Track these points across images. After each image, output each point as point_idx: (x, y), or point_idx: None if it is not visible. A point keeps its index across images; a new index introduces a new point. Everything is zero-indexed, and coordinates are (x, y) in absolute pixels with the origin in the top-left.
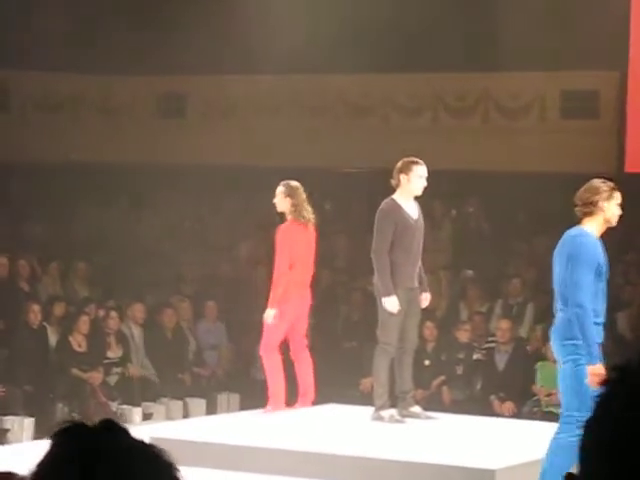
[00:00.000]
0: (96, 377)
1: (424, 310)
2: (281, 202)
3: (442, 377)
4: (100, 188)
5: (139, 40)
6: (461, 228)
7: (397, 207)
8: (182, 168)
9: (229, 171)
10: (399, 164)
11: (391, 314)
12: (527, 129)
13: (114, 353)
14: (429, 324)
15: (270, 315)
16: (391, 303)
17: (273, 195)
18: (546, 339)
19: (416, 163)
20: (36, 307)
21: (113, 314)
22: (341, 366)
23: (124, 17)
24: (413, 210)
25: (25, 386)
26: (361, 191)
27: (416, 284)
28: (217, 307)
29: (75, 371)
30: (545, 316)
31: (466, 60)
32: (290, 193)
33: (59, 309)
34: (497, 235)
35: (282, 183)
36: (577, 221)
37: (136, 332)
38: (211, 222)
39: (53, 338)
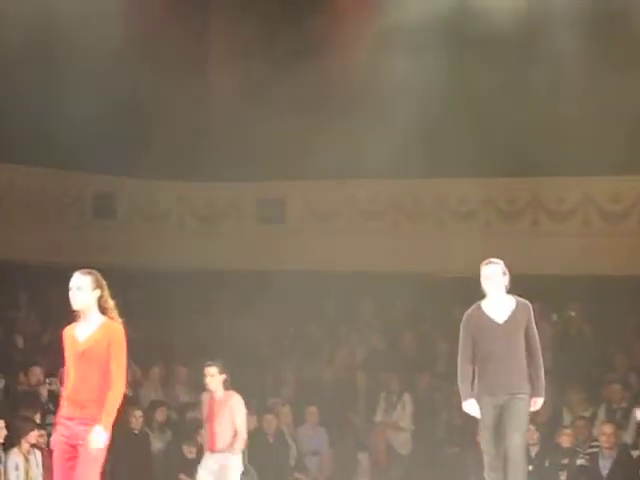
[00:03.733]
0: None
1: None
2: None
3: None
4: (201, 294)
5: (239, 147)
6: (562, 332)
7: (478, 311)
8: (281, 273)
9: (328, 276)
10: None
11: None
12: (628, 232)
13: None
14: (531, 428)
15: None
16: (468, 407)
17: (373, 299)
18: None
19: (483, 264)
20: (138, 412)
21: None
22: (443, 472)
23: (224, 125)
24: (497, 312)
25: None
26: (461, 295)
27: (508, 390)
28: (318, 412)
29: (183, 477)
30: None
31: (565, 165)
32: None
33: (161, 414)
34: (598, 339)
35: None
36: None
37: None
38: (311, 327)
39: (156, 443)
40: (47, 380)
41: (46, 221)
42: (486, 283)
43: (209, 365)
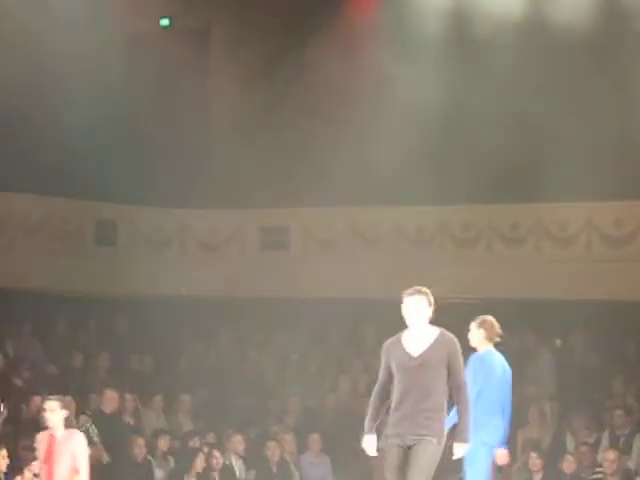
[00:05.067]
0: None
1: (529, 440)
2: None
3: None
4: (204, 322)
5: (241, 174)
6: (565, 359)
7: (396, 341)
8: (284, 300)
9: (331, 304)
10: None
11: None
12: (632, 256)
13: None
14: (533, 455)
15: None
16: (365, 442)
17: (375, 326)
18: None
19: (407, 293)
20: (141, 441)
21: (216, 453)
22: None
23: (226, 152)
24: (415, 344)
25: None
26: (466, 322)
27: (414, 431)
28: (321, 439)
29: None
30: None
31: (568, 191)
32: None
33: (164, 443)
34: (601, 364)
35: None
36: None
37: (243, 466)
38: (314, 354)
39: (158, 472)
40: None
41: (48, 249)
42: (408, 313)
43: (49, 399)
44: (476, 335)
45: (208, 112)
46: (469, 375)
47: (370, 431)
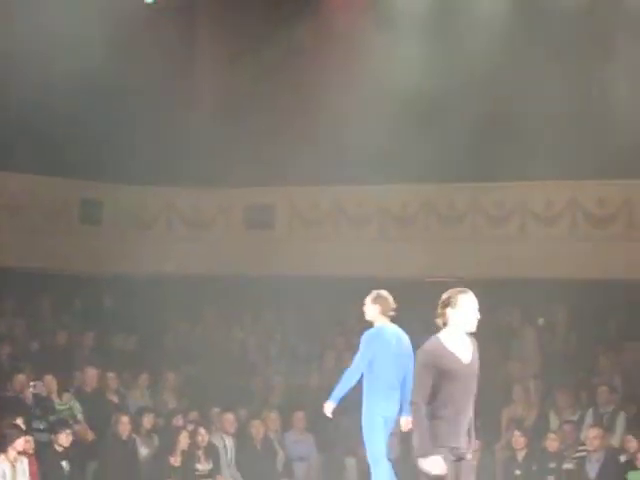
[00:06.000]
0: None
1: (513, 419)
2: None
3: None
4: (189, 300)
5: (226, 152)
6: (548, 337)
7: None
8: (269, 279)
9: (317, 282)
10: (442, 298)
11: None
12: (615, 236)
13: (203, 466)
14: (517, 433)
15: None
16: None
17: (359, 304)
18: (638, 449)
19: (463, 292)
20: (125, 419)
21: (202, 430)
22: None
23: (211, 130)
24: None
25: None
26: None
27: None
28: (306, 418)
29: None
30: (637, 425)
31: (553, 168)
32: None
33: (148, 421)
34: (584, 342)
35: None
36: None
37: (228, 443)
38: (299, 332)
39: (142, 450)
40: (31, 384)
41: (33, 227)
42: (467, 314)
43: None
44: (371, 310)
45: (193, 90)
46: (362, 348)
47: (434, 451)
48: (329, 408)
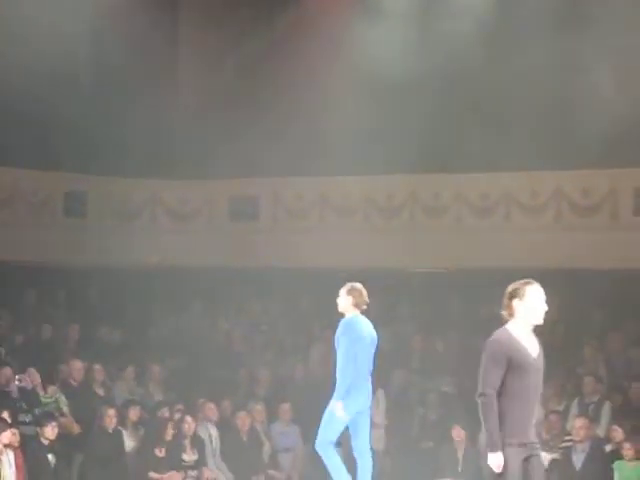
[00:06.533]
0: (176, 477)
1: None
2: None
3: None
4: (175, 292)
5: (211, 144)
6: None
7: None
8: (254, 270)
9: (302, 273)
10: (508, 290)
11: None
12: (600, 226)
13: (189, 456)
14: None
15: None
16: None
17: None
18: (624, 439)
19: (530, 284)
20: (111, 411)
21: (188, 419)
22: (417, 467)
23: (196, 123)
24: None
25: None
26: (434, 291)
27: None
28: (292, 409)
29: (153, 474)
30: (623, 415)
31: (538, 158)
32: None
33: (134, 413)
34: (570, 332)
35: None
36: None
37: (213, 434)
38: (284, 324)
39: (129, 442)
40: (17, 377)
41: (17, 220)
42: (538, 304)
43: None
44: (344, 301)
45: (177, 82)
46: (345, 337)
47: (500, 447)
48: (340, 409)
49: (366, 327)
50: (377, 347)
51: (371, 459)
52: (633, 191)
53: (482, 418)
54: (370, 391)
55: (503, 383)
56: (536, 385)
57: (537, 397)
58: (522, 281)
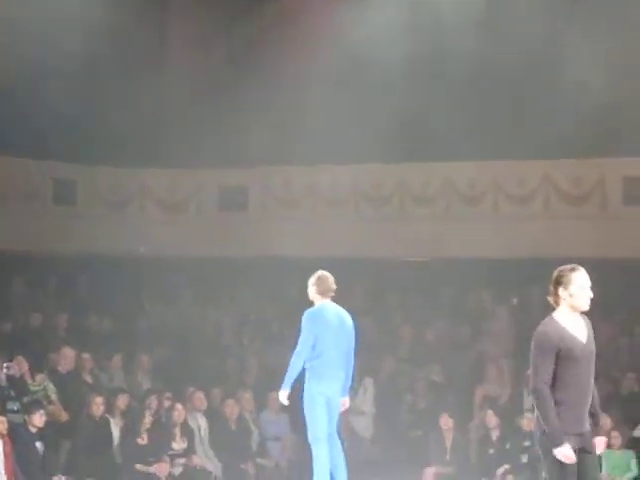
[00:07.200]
0: (164, 467)
1: (487, 398)
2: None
3: (506, 466)
4: (164, 281)
5: (199, 134)
6: (522, 316)
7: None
8: (243, 260)
9: (291, 262)
10: (554, 276)
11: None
12: (589, 214)
13: (179, 444)
14: (490, 412)
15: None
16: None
17: (337, 285)
18: (612, 427)
19: (576, 270)
20: (99, 399)
21: (178, 406)
22: (405, 455)
23: (185, 112)
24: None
25: (88, 478)
26: (423, 280)
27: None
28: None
29: (139, 465)
30: (610, 404)
31: (526, 147)
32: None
33: (122, 401)
34: None
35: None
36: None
37: (202, 422)
38: (273, 313)
39: (116, 430)
40: (5, 365)
41: (6, 209)
42: (584, 291)
43: None
44: (311, 290)
45: (165, 71)
46: (304, 328)
47: (564, 438)
48: (283, 396)
49: (334, 315)
50: (365, 336)
51: (340, 446)
52: (622, 180)
53: (540, 414)
54: (343, 379)
55: (555, 374)
56: (588, 372)
57: (590, 384)
58: (568, 267)
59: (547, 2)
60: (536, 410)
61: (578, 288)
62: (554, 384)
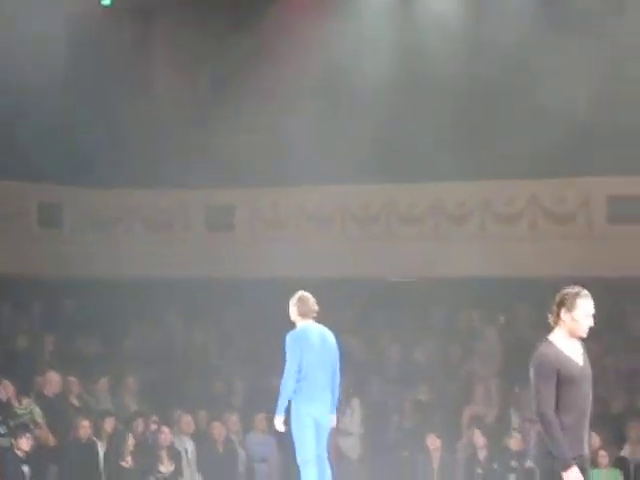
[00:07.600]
0: None
1: (475, 417)
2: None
3: None
4: (151, 303)
5: (186, 154)
6: (509, 335)
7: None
8: (231, 281)
9: (279, 283)
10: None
11: None
12: (573, 235)
13: (166, 467)
14: (477, 431)
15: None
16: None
17: (321, 305)
18: (599, 446)
19: (582, 296)
20: (86, 422)
21: (165, 429)
22: (392, 476)
23: (170, 132)
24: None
25: None
26: (410, 300)
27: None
28: (267, 419)
29: None
30: (597, 423)
31: (514, 168)
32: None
33: (109, 424)
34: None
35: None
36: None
37: (189, 445)
38: (260, 334)
39: (102, 453)
40: None
41: None
42: (588, 314)
43: None
44: (292, 311)
45: (152, 92)
46: (289, 351)
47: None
48: (279, 422)
49: (316, 335)
50: (352, 356)
51: (329, 468)
52: (607, 199)
53: (547, 438)
54: (329, 400)
55: (556, 398)
56: (586, 394)
57: (589, 406)
58: (574, 290)
59: (535, 24)
60: (542, 433)
61: (582, 316)
62: (556, 408)
